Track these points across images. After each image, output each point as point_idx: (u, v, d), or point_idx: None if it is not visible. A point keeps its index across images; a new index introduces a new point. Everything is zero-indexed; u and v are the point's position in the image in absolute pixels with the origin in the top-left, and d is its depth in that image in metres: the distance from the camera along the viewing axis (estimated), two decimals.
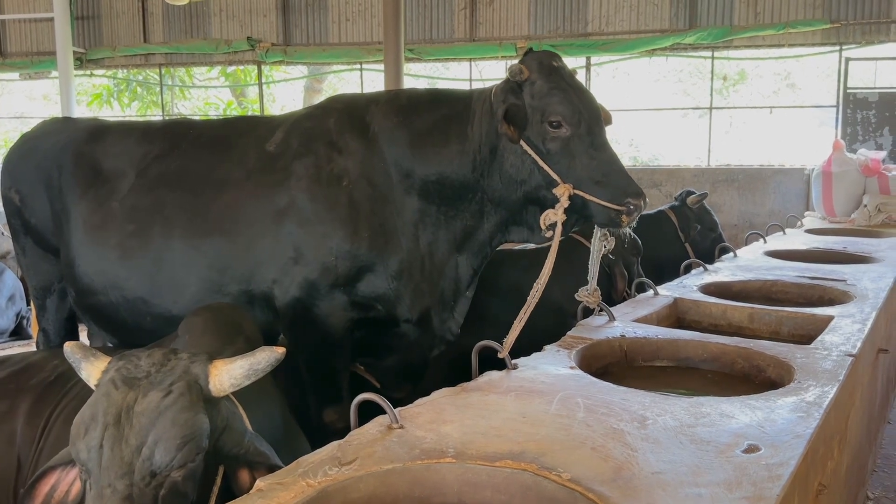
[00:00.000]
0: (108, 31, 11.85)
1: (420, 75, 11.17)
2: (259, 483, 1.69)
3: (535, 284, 2.71)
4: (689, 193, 5.86)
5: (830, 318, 3.37)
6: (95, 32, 11.92)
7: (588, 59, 10.13)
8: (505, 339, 2.59)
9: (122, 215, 3.07)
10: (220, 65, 12.34)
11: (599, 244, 3.07)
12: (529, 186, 2.86)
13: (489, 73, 11.15)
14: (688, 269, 4.49)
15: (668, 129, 14.52)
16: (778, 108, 12.01)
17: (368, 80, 11.30)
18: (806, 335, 3.40)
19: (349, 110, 3.05)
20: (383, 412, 2.00)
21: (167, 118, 11.44)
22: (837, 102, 9.19)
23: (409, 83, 11.33)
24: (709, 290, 4.14)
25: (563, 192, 2.77)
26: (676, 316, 3.75)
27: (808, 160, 9.14)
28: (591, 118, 2.83)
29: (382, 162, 2.94)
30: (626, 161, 16.51)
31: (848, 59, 9.06)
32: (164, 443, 1.71)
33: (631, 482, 1.68)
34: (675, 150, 14.01)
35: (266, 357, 1.90)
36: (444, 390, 2.30)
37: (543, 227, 2.82)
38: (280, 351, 1.91)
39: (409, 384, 3.26)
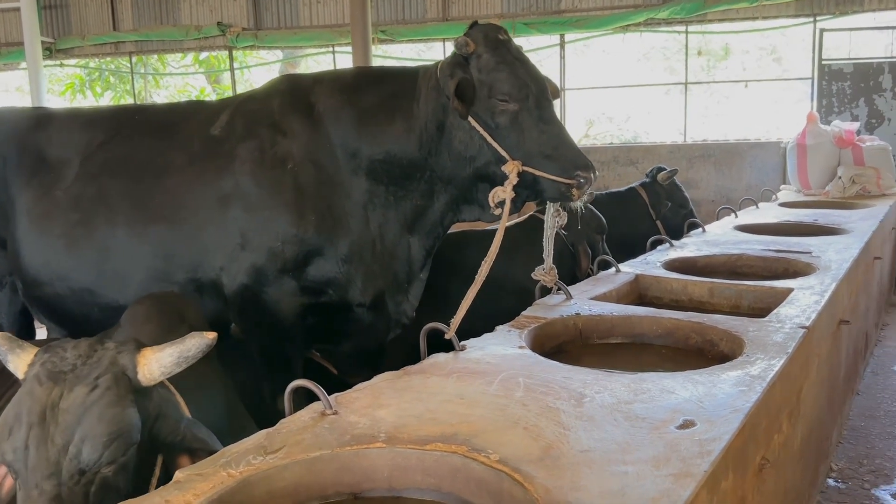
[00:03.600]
0: (77, 20, 11.65)
1: (392, 56, 11.07)
2: (178, 474, 1.65)
3: (482, 264, 2.67)
4: (660, 170, 5.83)
5: (790, 290, 3.35)
6: (64, 21, 11.72)
7: (562, 36, 10.04)
8: (451, 320, 2.55)
9: (66, 204, 3.01)
10: (191, 51, 12.17)
11: (552, 220, 3.04)
12: (479, 163, 2.82)
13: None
14: (654, 246, 4.47)
15: (652, 106, 14.46)
16: (753, 81, 11.95)
17: (341, 62, 11.17)
18: (766, 308, 3.37)
19: (293, 91, 2.99)
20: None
21: (115, 104, 11.31)
22: (812, 74, 9.15)
23: (380, 65, 11.24)
24: (673, 265, 4.12)
25: (511, 168, 2.73)
26: (638, 292, 3.73)
27: (785, 134, 9.11)
28: (539, 92, 2.78)
29: (328, 143, 2.88)
30: (607, 139, 16.49)
31: (822, 31, 9.00)
32: (90, 440, 1.67)
33: (558, 461, 1.66)
34: (658, 127, 13.96)
35: (196, 343, 1.85)
36: (387, 374, 2.27)
37: (492, 204, 2.78)
38: (210, 336, 1.87)
39: (367, 369, 3.21)
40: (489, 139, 2.75)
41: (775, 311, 3.00)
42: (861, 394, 4.63)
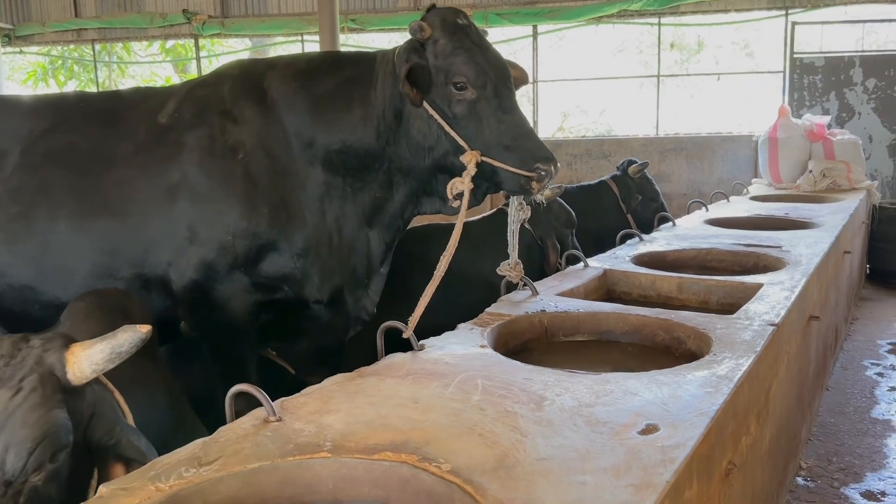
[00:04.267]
0: (37, 6, 11.29)
1: (362, 46, 10.88)
2: (102, 488, 1.52)
3: (441, 258, 2.56)
4: (631, 163, 5.76)
5: (759, 285, 3.29)
6: (23, 7, 11.36)
7: (534, 27, 9.93)
8: (409, 319, 2.44)
9: (5, 196, 2.84)
10: (156, 39, 11.86)
11: (516, 214, 2.93)
12: (437, 153, 2.71)
13: None
14: (624, 240, 4.39)
15: (626, 99, 14.43)
16: (725, 74, 11.95)
17: (310, 51, 10.98)
18: (735, 304, 3.31)
19: (245, 76, 2.85)
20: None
21: (60, 92, 10.98)
22: (784, 68, 9.14)
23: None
24: (642, 260, 4.04)
25: (469, 158, 2.62)
26: (606, 288, 3.65)
27: (757, 127, 9.10)
28: (499, 79, 2.66)
29: (282, 131, 2.75)
30: (581, 132, 16.44)
31: (794, 24, 8.99)
32: (14, 448, 1.54)
33: (513, 471, 1.56)
34: (632, 120, 13.94)
35: (129, 338, 1.73)
36: (339, 376, 2.15)
37: (451, 196, 2.68)
38: (144, 330, 1.74)
39: (326, 368, 3.09)
40: (447, 128, 2.64)
41: (744, 307, 2.93)
42: (831, 389, 4.60)
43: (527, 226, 4.10)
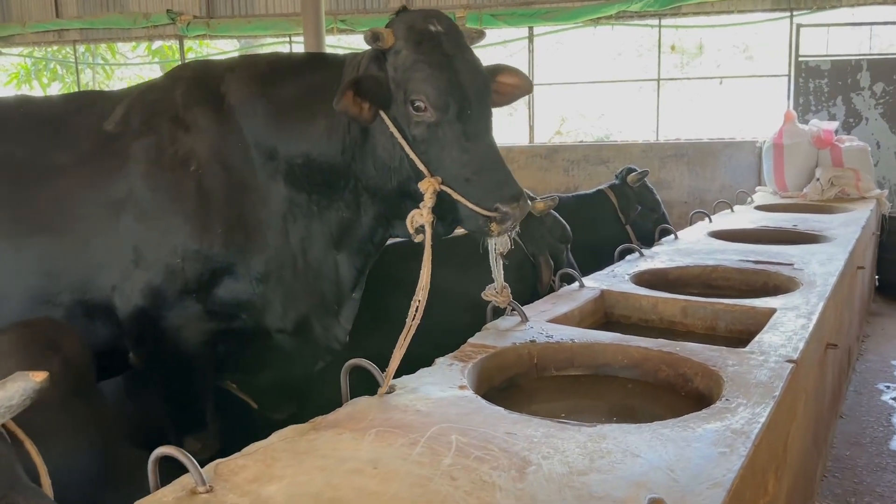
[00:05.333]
0: (18, 6, 10.99)
1: (351, 48, 10.55)
2: None
3: (413, 301, 2.24)
4: (630, 171, 5.46)
5: (772, 311, 2.99)
6: (3, 7, 11.06)
7: (531, 29, 9.61)
8: (387, 369, 2.13)
9: None
10: (140, 40, 11.54)
11: (493, 243, 2.63)
12: (401, 177, 2.39)
13: None
14: (623, 255, 4.09)
15: (626, 104, 14.15)
16: (728, 78, 11.64)
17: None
18: (745, 331, 3.02)
19: (200, 79, 2.54)
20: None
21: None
22: (789, 71, 8.84)
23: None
24: (642, 278, 3.75)
25: (426, 186, 2.29)
26: (603, 310, 3.35)
27: (761, 133, 8.82)
28: (466, 100, 2.30)
29: (240, 141, 2.44)
30: (580, 136, 16.15)
31: (799, 26, 8.70)
32: None
33: None
34: (632, 125, 13.66)
35: (19, 388, 1.42)
36: (290, 429, 1.85)
37: (411, 230, 2.34)
38: (38, 378, 1.44)
39: (292, 404, 2.79)
40: (407, 149, 2.32)
41: (758, 338, 2.63)
42: (845, 416, 4.29)
43: (518, 241, 3.80)
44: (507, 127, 11.42)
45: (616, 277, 3.62)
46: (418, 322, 2.23)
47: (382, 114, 2.34)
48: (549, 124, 16.83)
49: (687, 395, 2.41)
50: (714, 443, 1.75)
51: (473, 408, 2.01)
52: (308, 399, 2.84)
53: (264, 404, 2.82)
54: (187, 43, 11.20)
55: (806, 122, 7.70)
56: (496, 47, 10.07)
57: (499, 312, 2.91)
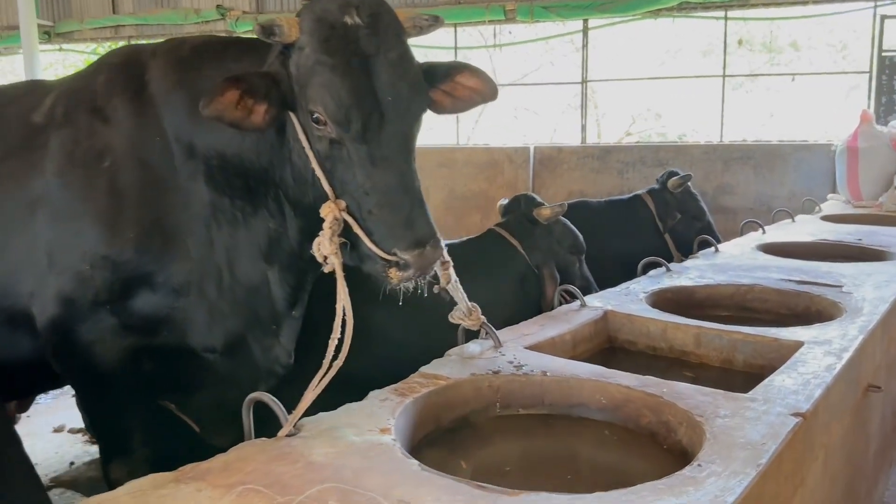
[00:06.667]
0: (77, 3, 11.26)
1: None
2: None
3: (331, 340, 1.90)
4: (672, 175, 4.97)
5: (799, 344, 2.53)
6: (63, 4, 11.34)
7: (585, 21, 9.09)
8: (295, 409, 1.82)
9: None
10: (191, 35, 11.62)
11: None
12: (317, 192, 2.03)
13: (476, 40, 10.20)
14: (647, 269, 3.65)
15: (696, 103, 13.42)
16: (801, 75, 10.80)
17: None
18: (767, 366, 2.58)
19: (125, 66, 2.28)
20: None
21: None
22: (871, 68, 8.06)
23: None
24: (663, 297, 3.31)
25: (327, 212, 1.94)
26: (606, 335, 2.94)
27: (837, 135, 8.08)
28: (376, 115, 1.92)
29: (160, 135, 2.17)
30: (652, 137, 15.43)
31: (883, 17, 7.90)
32: None
33: None
34: (703, 125, 12.93)
35: None
36: (149, 479, 1.56)
37: (319, 258, 1.99)
38: None
39: (234, 430, 2.50)
40: (314, 165, 1.98)
41: (768, 380, 2.19)
42: None
43: (520, 251, 3.43)
44: (562, 126, 10.96)
45: (629, 295, 3.20)
46: (340, 364, 1.90)
47: (293, 118, 2.01)
48: (619, 124, 16.21)
49: (669, 448, 2.01)
50: None
51: (381, 461, 1.67)
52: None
53: (205, 428, 2.54)
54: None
55: (886, 123, 6.98)
56: (546, 42, 9.66)
57: (473, 336, 2.56)
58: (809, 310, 3.26)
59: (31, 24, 9.63)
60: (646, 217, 4.82)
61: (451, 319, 2.46)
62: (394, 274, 1.90)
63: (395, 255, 1.88)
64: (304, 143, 1.97)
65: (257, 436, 1.78)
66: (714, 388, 2.11)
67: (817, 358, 2.37)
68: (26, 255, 2.26)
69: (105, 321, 2.19)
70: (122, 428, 2.36)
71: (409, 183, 1.93)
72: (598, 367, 2.30)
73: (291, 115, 2.00)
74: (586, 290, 3.62)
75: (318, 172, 1.96)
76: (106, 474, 2.40)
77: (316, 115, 1.93)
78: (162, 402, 2.55)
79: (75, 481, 3.56)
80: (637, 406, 2.11)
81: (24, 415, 4.39)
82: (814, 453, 2.06)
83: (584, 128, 9.25)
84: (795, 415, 1.91)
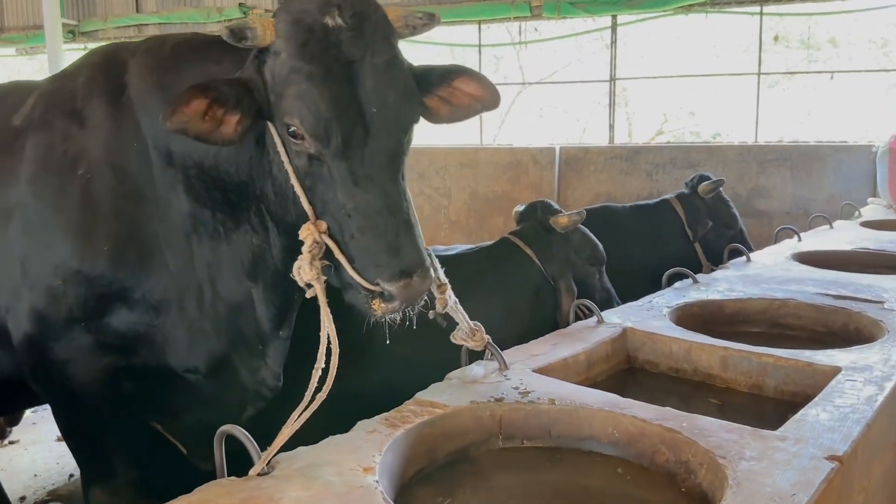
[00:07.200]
0: (101, 2, 11.27)
1: (417, 41, 10.08)
2: None
3: (314, 370, 1.72)
4: (703, 179, 4.72)
5: (836, 370, 2.30)
6: (88, 3, 11.36)
7: (614, 18, 8.80)
8: (271, 445, 1.66)
9: None
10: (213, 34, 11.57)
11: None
12: (299, 210, 1.84)
13: (500, 36, 9.93)
14: (672, 281, 3.43)
15: (732, 102, 13.04)
16: (840, 72, 10.37)
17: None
18: (800, 393, 2.37)
19: (106, 65, 2.13)
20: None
21: None
22: None
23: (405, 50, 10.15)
24: (688, 312, 3.10)
25: (306, 234, 1.76)
26: (626, 354, 2.74)
27: (880, 136, 7.72)
28: (359, 129, 1.73)
29: (138, 141, 2.01)
30: (684, 137, 15.04)
31: None
32: None
33: None
34: (739, 125, 12.56)
35: None
36: None
37: (300, 283, 1.80)
38: None
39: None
40: (293, 181, 1.80)
41: (801, 413, 1.98)
42: None
43: (536, 261, 3.23)
44: (592, 125, 10.69)
45: (651, 311, 2.99)
46: (323, 396, 1.73)
47: (272, 129, 1.83)
48: (651, 123, 15.86)
49: (688, 491, 1.81)
50: None
51: None
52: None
53: (192, 451, 2.40)
54: None
55: None
56: (576, 38, 9.41)
57: (477, 356, 2.37)
58: (848, 328, 3.02)
59: (55, 23, 9.65)
60: (674, 224, 4.59)
61: (453, 340, 2.28)
62: (377, 305, 1.72)
63: (378, 285, 1.70)
64: (284, 158, 1.79)
65: (246, 459, 1.63)
66: (741, 424, 1.90)
67: (856, 388, 2.15)
68: (1, 266, 2.13)
69: (80, 339, 2.05)
70: (103, 451, 2.22)
71: (395, 204, 1.73)
72: (612, 396, 2.10)
73: (270, 125, 1.82)
74: (607, 304, 3.41)
75: (298, 190, 1.78)
76: (87, 500, 2.26)
77: (292, 129, 1.75)
78: (149, 423, 2.41)
79: (72, 495, 3.46)
80: (653, 442, 1.91)
81: (30, 422, 4.32)
82: (852, 500, 1.84)
83: (611, 127, 8.97)
84: (831, 458, 1.69)
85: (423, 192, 9.02)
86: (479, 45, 9.68)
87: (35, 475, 3.67)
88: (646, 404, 2.03)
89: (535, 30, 9.78)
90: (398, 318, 1.79)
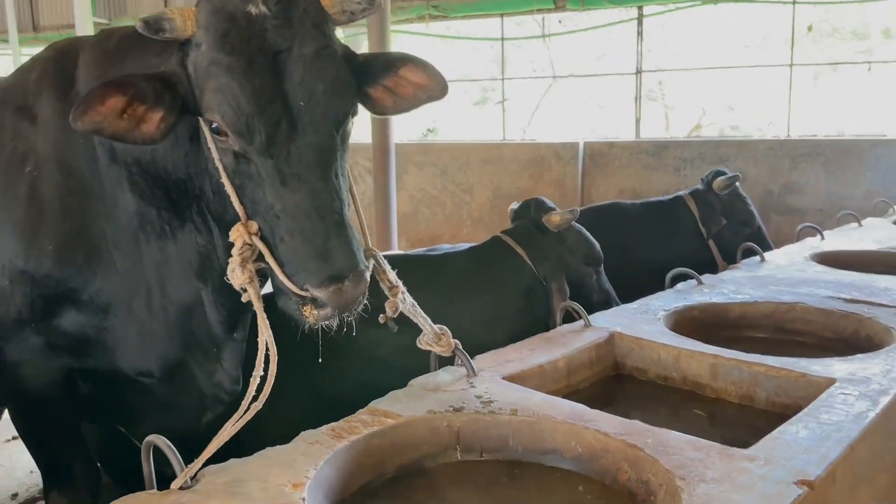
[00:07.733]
0: (132, 0, 11.39)
1: (434, 34, 9.89)
2: None
3: (252, 378, 1.64)
4: (718, 174, 4.53)
5: (830, 382, 2.14)
6: (118, 2, 11.49)
7: (640, 9, 8.54)
8: (198, 458, 1.58)
9: None
10: None
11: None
12: (234, 210, 1.75)
13: (523, 30, 9.73)
14: (675, 282, 3.28)
15: (781, 93, 12.61)
16: (878, 63, 9.92)
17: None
18: (793, 405, 2.23)
19: (58, 60, 2.06)
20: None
21: None
22: None
23: (421, 45, 9.88)
24: (687, 316, 2.96)
25: (235, 235, 1.68)
26: (613, 360, 2.61)
27: None
28: (285, 124, 1.63)
29: (84, 136, 1.94)
30: (723, 131, 14.62)
31: None
32: None
33: None
34: (779, 119, 12.15)
35: None
36: None
37: (235, 286, 1.73)
38: None
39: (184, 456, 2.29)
40: (223, 178, 1.71)
41: (777, 431, 1.83)
42: None
43: (527, 260, 3.10)
44: (625, 120, 10.40)
45: (645, 314, 2.85)
46: (259, 407, 1.64)
47: (203, 125, 1.74)
48: (689, 116, 15.45)
49: None
50: None
51: None
52: (195, 453, 2.33)
53: (157, 458, 2.33)
54: None
55: None
56: (602, 30, 9.15)
57: (447, 361, 2.27)
58: (858, 334, 2.84)
59: (86, 21, 9.75)
60: (688, 221, 4.40)
61: (418, 345, 2.18)
62: (309, 312, 1.63)
63: (306, 290, 1.60)
64: (214, 155, 1.71)
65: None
66: (710, 441, 1.76)
67: (848, 402, 1.99)
68: None
69: (31, 340, 2.00)
70: (59, 456, 2.17)
71: (325, 205, 1.62)
72: (580, 407, 1.98)
73: (202, 121, 1.74)
74: (605, 306, 3.26)
75: (228, 188, 1.70)
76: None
77: (215, 125, 1.66)
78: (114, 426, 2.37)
79: None
80: (616, 459, 1.79)
81: None
82: None
83: (637, 121, 8.71)
84: (801, 483, 1.55)
85: (445, 188, 8.91)
86: (502, 39, 9.51)
87: (31, 472, 3.67)
88: (613, 416, 1.91)
89: (559, 22, 9.57)
90: (335, 325, 1.70)
